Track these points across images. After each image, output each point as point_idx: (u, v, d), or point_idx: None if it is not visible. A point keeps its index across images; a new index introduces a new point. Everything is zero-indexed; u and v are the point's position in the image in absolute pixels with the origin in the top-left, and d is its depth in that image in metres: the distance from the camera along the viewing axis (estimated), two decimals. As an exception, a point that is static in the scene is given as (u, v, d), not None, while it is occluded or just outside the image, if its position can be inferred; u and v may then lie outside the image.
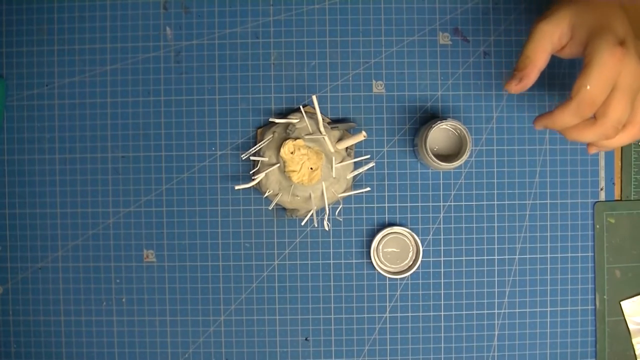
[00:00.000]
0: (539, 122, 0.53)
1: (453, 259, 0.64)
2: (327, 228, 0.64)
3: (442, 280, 0.64)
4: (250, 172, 0.64)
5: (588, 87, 0.47)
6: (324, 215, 0.64)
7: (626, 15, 0.50)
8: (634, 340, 0.64)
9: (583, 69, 0.48)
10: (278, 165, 0.60)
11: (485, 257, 0.64)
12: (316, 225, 0.64)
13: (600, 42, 0.47)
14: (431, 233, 0.64)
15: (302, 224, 0.64)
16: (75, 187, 0.64)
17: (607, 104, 0.48)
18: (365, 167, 0.63)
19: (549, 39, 0.51)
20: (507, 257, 0.64)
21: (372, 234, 0.64)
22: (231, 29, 0.65)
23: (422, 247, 0.64)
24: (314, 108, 0.60)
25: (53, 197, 0.64)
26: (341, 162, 0.61)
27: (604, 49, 0.47)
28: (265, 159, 0.61)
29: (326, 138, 0.60)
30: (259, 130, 0.64)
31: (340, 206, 0.64)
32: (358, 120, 0.65)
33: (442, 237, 0.64)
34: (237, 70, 0.64)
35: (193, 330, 0.64)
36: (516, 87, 0.52)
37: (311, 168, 0.60)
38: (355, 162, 0.63)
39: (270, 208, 0.64)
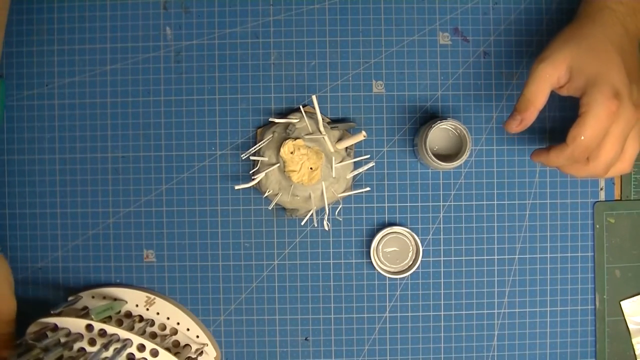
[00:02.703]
0: (535, 157, 0.56)
1: (453, 258, 0.64)
2: (327, 228, 0.64)
3: (442, 280, 0.64)
4: (250, 172, 0.64)
5: (583, 138, 0.50)
6: (323, 215, 0.64)
7: (622, 57, 0.52)
8: (633, 340, 0.64)
9: (579, 118, 0.51)
10: (278, 165, 0.60)
11: (485, 257, 0.64)
12: (316, 225, 0.64)
13: (597, 96, 0.50)
14: (431, 233, 0.64)
15: (302, 223, 0.64)
16: (75, 187, 0.64)
17: (599, 148, 0.51)
18: (365, 167, 0.63)
19: (548, 81, 0.53)
20: (507, 257, 0.65)
21: (372, 234, 0.64)
22: (231, 29, 0.65)
23: (422, 247, 0.64)
24: (313, 108, 0.60)
25: (53, 197, 0.64)
26: (341, 162, 0.61)
27: (600, 102, 0.50)
28: (265, 159, 0.61)
29: (326, 138, 0.60)
30: (259, 130, 0.64)
31: (340, 206, 0.64)
32: (358, 120, 0.65)
33: (442, 237, 0.65)
34: (237, 70, 0.64)
35: (193, 330, 0.64)
36: (517, 128, 0.55)
37: (311, 168, 0.60)
38: (355, 162, 0.63)
39: (270, 208, 0.64)
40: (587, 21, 0.55)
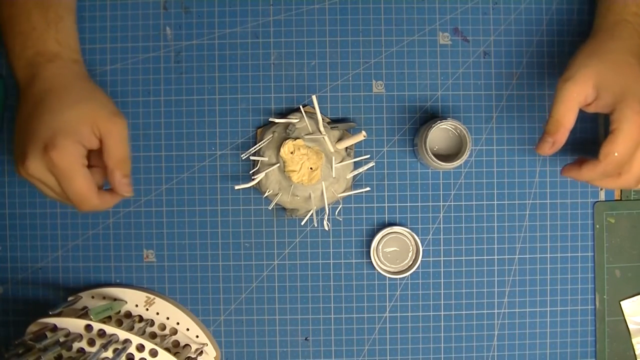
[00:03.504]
0: (566, 172, 0.56)
1: (453, 259, 0.64)
2: (327, 228, 0.64)
3: (442, 280, 0.64)
4: (250, 172, 0.64)
5: (616, 154, 0.50)
6: (323, 215, 0.64)
7: None
8: (634, 340, 0.64)
9: (610, 135, 0.51)
10: (278, 165, 0.60)
11: (485, 257, 0.64)
12: (316, 225, 0.64)
13: (627, 111, 0.50)
14: (431, 233, 0.64)
15: (302, 223, 0.64)
16: (75, 187, 0.64)
17: (632, 161, 0.51)
18: (365, 167, 0.63)
19: (576, 100, 0.53)
20: (507, 257, 0.65)
21: (372, 234, 0.64)
22: (231, 29, 0.65)
23: (422, 247, 0.64)
24: (314, 108, 0.60)
25: (53, 197, 0.64)
26: (341, 162, 0.61)
27: (630, 118, 0.50)
28: (265, 159, 0.61)
29: (326, 138, 0.60)
30: (259, 130, 0.64)
31: (340, 206, 0.64)
32: (358, 120, 0.65)
33: (442, 237, 0.64)
34: (237, 70, 0.64)
35: (193, 330, 0.64)
36: (549, 151, 0.54)
37: (311, 168, 0.60)
38: (355, 162, 0.63)
39: (270, 208, 0.64)
40: (606, 36, 0.55)
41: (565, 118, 0.53)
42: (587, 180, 0.54)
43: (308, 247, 0.64)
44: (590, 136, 0.65)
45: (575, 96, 0.52)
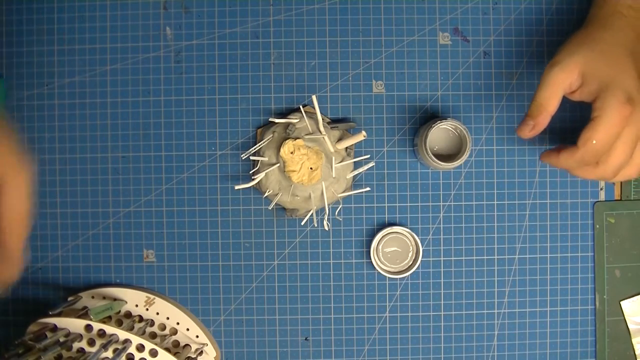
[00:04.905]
0: (545, 158, 0.56)
1: (453, 258, 0.64)
2: (327, 228, 0.64)
3: (442, 280, 0.64)
4: (250, 172, 0.64)
5: (594, 142, 0.50)
6: (323, 215, 0.64)
7: (634, 62, 0.52)
8: (634, 340, 0.64)
9: (591, 122, 0.51)
10: (278, 165, 0.60)
11: (485, 257, 0.64)
12: (316, 225, 0.64)
13: (610, 100, 0.50)
14: (431, 233, 0.64)
15: (302, 223, 0.64)
16: (75, 187, 0.64)
17: (610, 152, 0.51)
18: (365, 167, 0.63)
19: (561, 86, 0.53)
20: (507, 257, 0.65)
21: (372, 234, 0.64)
22: (231, 29, 0.65)
23: (422, 247, 0.64)
24: (313, 108, 0.60)
25: (53, 197, 0.64)
26: (341, 162, 0.61)
27: (613, 107, 0.50)
28: (265, 159, 0.61)
29: (326, 138, 0.60)
30: (259, 130, 0.64)
31: (340, 206, 0.64)
32: (358, 120, 0.65)
33: (442, 237, 0.64)
34: (237, 70, 0.64)
35: (193, 330, 0.64)
36: (529, 134, 0.55)
37: (311, 168, 0.60)
38: (355, 162, 0.63)
39: (270, 208, 0.64)
40: (598, 26, 0.55)
41: (549, 102, 0.53)
42: (565, 167, 0.54)
43: (308, 247, 0.64)
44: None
45: (561, 82, 0.52)
